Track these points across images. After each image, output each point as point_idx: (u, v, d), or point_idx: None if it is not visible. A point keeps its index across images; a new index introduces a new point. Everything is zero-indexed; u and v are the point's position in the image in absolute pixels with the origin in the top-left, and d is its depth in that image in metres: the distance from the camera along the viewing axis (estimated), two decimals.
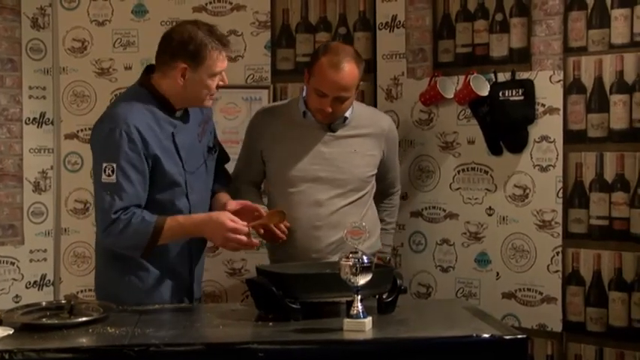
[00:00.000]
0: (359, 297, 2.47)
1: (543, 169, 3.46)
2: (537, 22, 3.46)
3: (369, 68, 3.74)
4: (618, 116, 3.29)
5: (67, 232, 3.98)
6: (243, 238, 2.77)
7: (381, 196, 3.42)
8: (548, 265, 3.47)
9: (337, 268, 2.48)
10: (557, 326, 3.46)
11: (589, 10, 3.34)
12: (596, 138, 3.34)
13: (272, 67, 3.96)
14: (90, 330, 2.48)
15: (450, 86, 3.65)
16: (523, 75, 3.48)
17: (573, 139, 3.39)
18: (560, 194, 3.43)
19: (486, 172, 3.61)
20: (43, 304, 2.74)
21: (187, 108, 2.94)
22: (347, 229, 2.53)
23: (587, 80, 3.35)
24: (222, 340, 2.47)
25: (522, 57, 3.50)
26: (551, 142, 3.44)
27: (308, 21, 3.94)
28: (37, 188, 3.95)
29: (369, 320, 2.47)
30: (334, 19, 3.93)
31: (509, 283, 3.56)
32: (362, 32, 3.92)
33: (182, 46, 2.79)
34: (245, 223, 2.80)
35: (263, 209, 3.03)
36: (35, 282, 3.95)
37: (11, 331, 2.42)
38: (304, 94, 3.21)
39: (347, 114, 3.18)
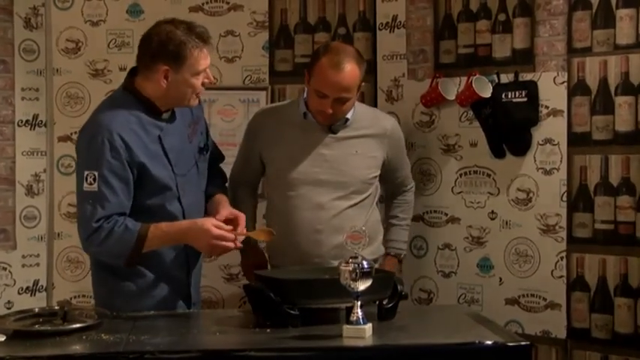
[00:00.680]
0: (359, 303, 2.45)
1: (547, 173, 3.44)
2: (541, 23, 3.43)
3: (369, 69, 3.71)
4: (623, 118, 3.26)
5: (61, 237, 3.95)
6: (230, 244, 2.76)
7: (393, 195, 3.42)
8: (552, 271, 3.44)
9: (337, 273, 2.47)
10: (561, 333, 3.43)
11: (594, 10, 3.32)
12: (601, 140, 3.31)
13: (270, 69, 3.93)
14: (84, 337, 2.47)
15: (452, 88, 3.63)
16: (526, 76, 3.46)
17: (578, 141, 3.37)
18: (565, 198, 3.40)
19: (489, 176, 3.59)
20: (36, 310, 2.73)
21: (174, 109, 2.90)
22: (346, 233, 2.52)
23: (592, 81, 3.33)
24: (218, 348, 2.48)
25: (525, 58, 3.47)
26: (555, 144, 3.42)
27: (307, 21, 3.92)
28: (29, 192, 3.91)
29: (369, 327, 2.45)
30: (333, 20, 3.91)
31: (513, 289, 3.54)
32: (362, 33, 3.90)
33: (161, 48, 2.75)
34: (230, 228, 2.79)
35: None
36: (28, 287, 3.92)
37: (3, 338, 2.41)
38: (305, 94, 3.19)
39: (348, 115, 3.16)
